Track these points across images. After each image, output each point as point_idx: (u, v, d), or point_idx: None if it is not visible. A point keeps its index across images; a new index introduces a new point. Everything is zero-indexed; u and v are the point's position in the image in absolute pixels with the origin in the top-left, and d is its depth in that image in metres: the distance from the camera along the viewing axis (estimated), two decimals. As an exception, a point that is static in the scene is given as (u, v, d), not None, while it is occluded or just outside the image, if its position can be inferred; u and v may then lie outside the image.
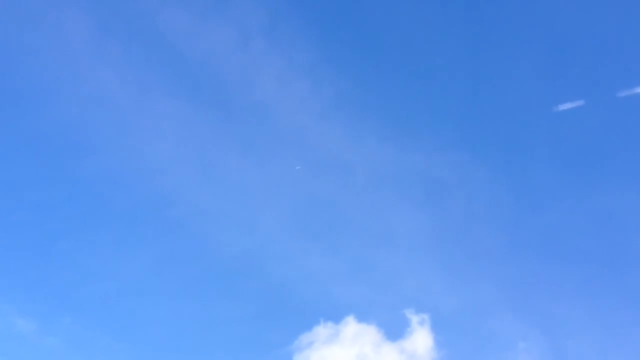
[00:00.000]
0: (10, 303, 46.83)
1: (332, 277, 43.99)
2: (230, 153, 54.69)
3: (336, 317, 37.15)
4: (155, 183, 53.76)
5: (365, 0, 53.65)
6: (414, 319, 36.44)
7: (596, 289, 40.22)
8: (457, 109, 51.03)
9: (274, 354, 38.32)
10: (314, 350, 36.18)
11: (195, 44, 54.96)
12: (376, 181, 51.01)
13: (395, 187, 50.59)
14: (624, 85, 43.75)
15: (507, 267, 42.31)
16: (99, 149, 54.65)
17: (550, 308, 39.29)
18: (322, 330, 36.49)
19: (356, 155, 53.09)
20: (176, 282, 49.18)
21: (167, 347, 44.84)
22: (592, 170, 45.92)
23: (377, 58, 54.34)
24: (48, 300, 47.16)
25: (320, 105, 53.94)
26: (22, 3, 52.92)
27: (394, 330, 36.66)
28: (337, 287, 42.59)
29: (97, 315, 46.77)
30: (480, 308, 39.53)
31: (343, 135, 53.29)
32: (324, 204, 51.45)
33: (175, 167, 54.65)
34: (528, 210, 45.59)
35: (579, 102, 44.16)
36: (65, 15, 54.21)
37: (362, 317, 36.91)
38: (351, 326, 36.45)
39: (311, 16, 54.27)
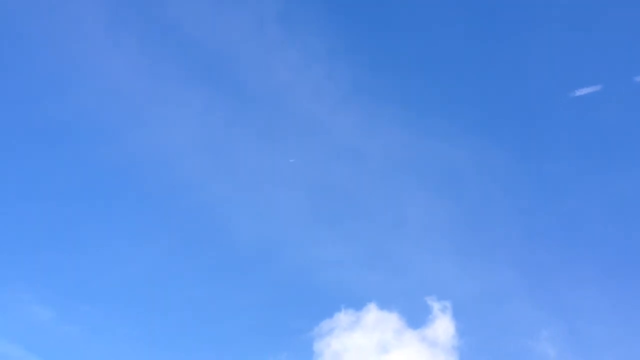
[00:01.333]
0: (28, 291, 47.04)
1: (350, 264, 44.04)
2: (245, 141, 54.60)
3: (357, 305, 37.16)
4: (170, 172, 53.80)
5: (380, -14, 53.36)
6: (436, 306, 36.41)
7: (616, 276, 40.12)
8: (473, 95, 50.78)
9: (294, 340, 38.40)
10: (335, 337, 36.22)
11: (210, 32, 54.72)
12: (392, 168, 50.90)
13: (411, 174, 50.44)
14: (642, 70, 43.47)
15: (525, 254, 42.23)
16: (114, 139, 54.61)
17: (570, 295, 39.22)
18: (343, 317, 36.51)
19: (372, 142, 52.93)
20: (193, 270, 49.29)
21: (185, 335, 44.97)
22: (610, 156, 45.66)
23: (392, 44, 54.06)
24: (66, 289, 47.37)
25: (336, 93, 53.74)
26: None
27: (416, 318, 36.65)
28: (355, 275, 42.63)
29: (115, 304, 46.93)
30: (501, 296, 39.48)
31: (359, 123, 53.12)
32: (339, 191, 51.38)
33: (191, 156, 54.63)
34: (546, 196, 45.43)
35: (596, 87, 43.84)
36: (79, 6, 54.07)
37: (383, 305, 36.91)
38: (372, 313, 36.45)
39: (326, 3, 53.99)
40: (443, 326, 35.60)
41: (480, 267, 41.53)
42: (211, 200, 52.40)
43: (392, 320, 35.85)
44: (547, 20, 49.23)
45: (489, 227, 44.27)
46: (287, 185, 52.36)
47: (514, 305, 38.77)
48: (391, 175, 50.74)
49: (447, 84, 51.58)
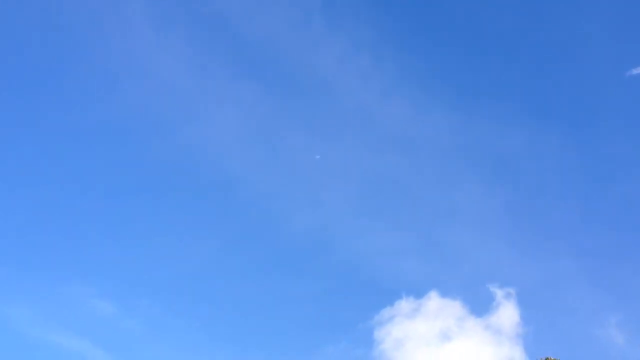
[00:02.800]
0: (89, 286, 48.00)
1: (405, 253, 43.93)
2: (293, 133, 54.83)
3: (418, 292, 37.01)
4: (223, 166, 54.35)
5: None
6: (499, 293, 36.03)
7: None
8: (525, 78, 49.97)
9: (354, 329, 38.44)
10: (396, 324, 36.14)
11: (256, 26, 54.93)
12: (444, 155, 50.56)
13: (463, 161, 50.02)
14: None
15: (585, 239, 41.49)
16: (169, 136, 55.34)
17: (635, 280, 38.45)
18: (404, 305, 36.40)
19: (421, 130, 52.62)
20: (247, 262, 49.75)
21: (243, 327, 45.39)
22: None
23: (438, 31, 53.56)
24: (126, 283, 48.21)
25: (383, 82, 53.51)
26: (88, 3, 53.83)
27: (479, 305, 36.34)
28: (412, 263, 42.51)
29: (174, 297, 47.62)
30: (564, 282, 38.86)
31: (407, 111, 52.87)
32: (389, 180, 51.29)
33: (242, 149, 55.08)
34: (603, 178, 44.56)
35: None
36: (128, 6, 54.83)
37: (445, 292, 36.70)
38: (434, 301, 36.29)
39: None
40: (507, 313, 35.21)
41: (540, 253, 40.99)
42: (264, 192, 52.85)
43: (454, 307, 35.67)
44: None
45: (545, 212, 43.67)
46: (339, 175, 52.47)
47: (578, 292, 38.16)
48: (443, 162, 50.43)
49: (496, 67, 50.90)
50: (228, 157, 51.62)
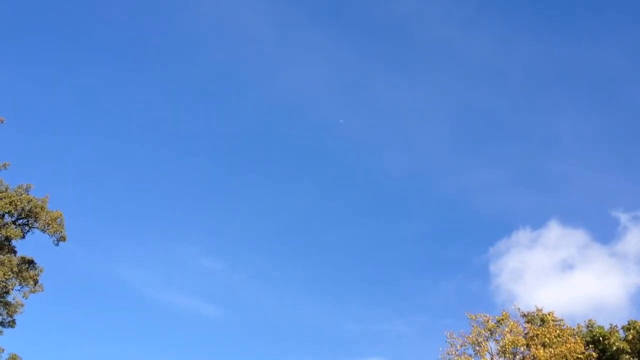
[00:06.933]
0: (197, 245, 48.92)
1: (505, 186, 42.61)
2: (379, 75, 53.75)
3: (535, 223, 35.79)
4: (311, 115, 54.05)
5: None
6: (623, 217, 34.23)
7: None
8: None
9: (468, 263, 37.70)
10: (512, 256, 35.11)
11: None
12: (536, 83, 48.44)
13: (558, 86, 47.89)
14: None
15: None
16: (257, 91, 55.23)
17: None
18: (521, 235, 35.24)
19: (510, 58, 50.52)
20: (344, 209, 49.56)
21: (347, 271, 45.21)
22: None
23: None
24: (230, 239, 48.91)
25: (465, 13, 51.60)
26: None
27: (603, 232, 34.77)
28: (521, 195, 41.23)
29: (276, 249, 48.03)
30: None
31: (493, 41, 50.86)
32: (480, 114, 49.60)
33: (328, 96, 54.59)
34: None
35: None
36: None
37: (566, 221, 35.32)
38: (554, 230, 34.97)
39: None
40: (635, 238, 33.47)
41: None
42: (353, 138, 52.30)
43: (576, 236, 34.25)
44: None
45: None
46: (428, 114, 51.14)
47: None
48: (536, 90, 48.36)
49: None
50: (316, 106, 51.38)
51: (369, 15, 52.42)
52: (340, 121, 51.49)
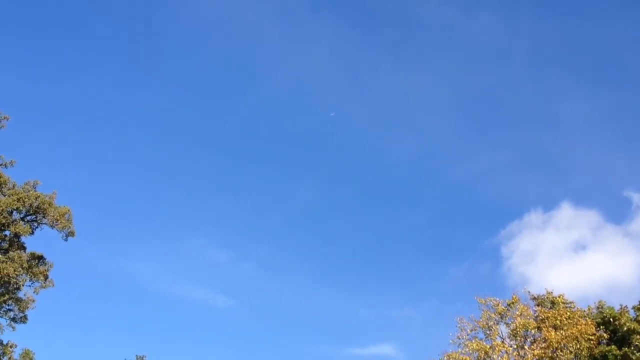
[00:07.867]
0: (205, 237, 48.94)
1: (517, 168, 42.49)
2: (380, 62, 53.50)
3: (547, 205, 35.74)
4: (314, 105, 53.89)
5: None
6: (635, 197, 34.13)
7: None
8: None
9: (479, 246, 37.71)
10: (524, 237, 35.06)
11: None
12: (538, 65, 48.16)
13: (563, 67, 47.60)
14: None
15: None
16: (258, 81, 55.03)
17: None
18: (533, 217, 35.17)
19: (514, 40, 50.19)
20: (352, 198, 49.50)
21: (357, 260, 45.24)
22: None
23: None
24: (237, 231, 48.93)
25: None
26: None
27: (616, 212, 34.73)
28: (531, 177, 41.11)
29: (283, 239, 48.03)
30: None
31: (497, 22, 50.53)
32: (484, 97, 49.37)
33: (331, 86, 54.43)
34: None
35: None
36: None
37: (578, 202, 35.23)
38: (566, 211, 34.91)
39: None
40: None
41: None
42: (357, 126, 52.13)
43: (589, 217, 34.16)
44: None
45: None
46: (432, 100, 50.93)
47: None
48: (540, 72, 48.10)
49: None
50: (321, 96, 51.22)
51: (370, 1, 52.09)
52: (332, 114, 51.26)
